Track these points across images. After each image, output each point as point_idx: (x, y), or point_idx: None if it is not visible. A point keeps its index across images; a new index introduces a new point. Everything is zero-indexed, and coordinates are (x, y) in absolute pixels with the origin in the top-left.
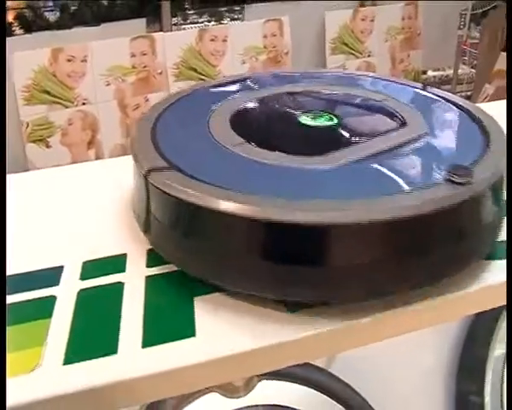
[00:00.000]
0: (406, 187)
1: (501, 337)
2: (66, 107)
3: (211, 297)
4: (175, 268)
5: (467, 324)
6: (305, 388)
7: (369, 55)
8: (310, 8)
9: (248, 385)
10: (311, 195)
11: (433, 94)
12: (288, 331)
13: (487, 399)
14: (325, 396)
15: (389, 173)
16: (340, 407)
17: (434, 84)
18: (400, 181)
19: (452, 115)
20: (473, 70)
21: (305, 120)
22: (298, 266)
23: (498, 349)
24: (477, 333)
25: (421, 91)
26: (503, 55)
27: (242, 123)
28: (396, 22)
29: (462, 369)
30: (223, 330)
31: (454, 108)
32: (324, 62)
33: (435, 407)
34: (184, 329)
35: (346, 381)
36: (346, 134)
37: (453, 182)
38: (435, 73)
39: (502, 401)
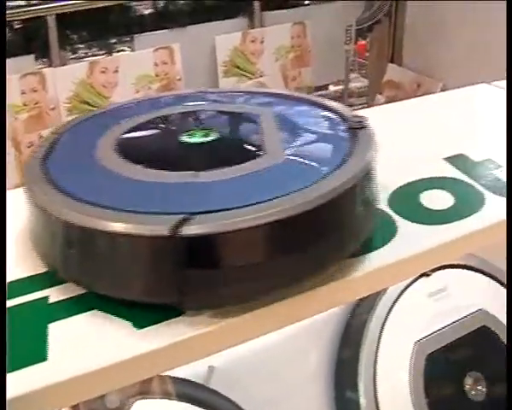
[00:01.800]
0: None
1: (369, 339)
2: None
3: (64, 322)
4: (32, 298)
5: (341, 327)
6: (185, 404)
7: (261, 76)
8: (199, 33)
9: (123, 407)
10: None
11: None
12: (135, 347)
13: (362, 399)
14: None
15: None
16: None
17: (336, 98)
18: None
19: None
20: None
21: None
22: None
23: (367, 349)
24: (350, 335)
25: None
26: (391, 66)
27: (125, 147)
28: (285, 42)
29: (338, 369)
30: (73, 352)
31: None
32: (217, 86)
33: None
34: (36, 354)
35: (225, 395)
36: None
37: None
38: (336, 88)
39: (376, 397)
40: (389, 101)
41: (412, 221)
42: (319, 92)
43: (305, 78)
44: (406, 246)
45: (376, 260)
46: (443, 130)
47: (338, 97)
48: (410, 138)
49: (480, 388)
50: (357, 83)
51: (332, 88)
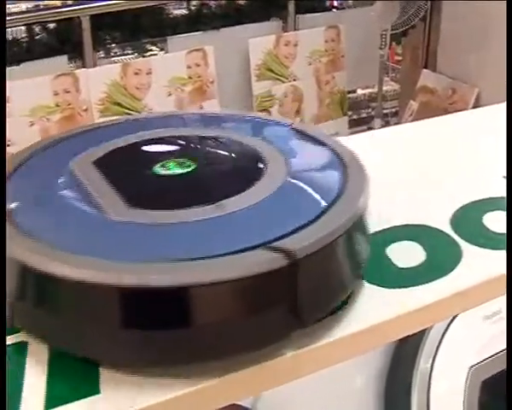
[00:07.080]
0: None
1: (422, 364)
2: None
3: None
4: None
5: (391, 351)
6: None
7: (294, 80)
8: (233, 36)
9: None
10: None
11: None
12: None
13: None
14: None
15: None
16: None
17: (364, 101)
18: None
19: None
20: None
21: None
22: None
23: (420, 375)
24: (401, 359)
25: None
26: (425, 71)
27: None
28: (319, 45)
29: (389, 396)
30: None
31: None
32: (250, 89)
33: None
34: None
35: None
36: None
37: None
38: (364, 91)
39: None
40: (422, 106)
41: (477, 245)
42: (349, 95)
43: (338, 82)
44: (473, 273)
45: (444, 287)
46: (498, 145)
47: (367, 100)
48: (465, 155)
49: None
50: (388, 87)
51: (360, 91)
